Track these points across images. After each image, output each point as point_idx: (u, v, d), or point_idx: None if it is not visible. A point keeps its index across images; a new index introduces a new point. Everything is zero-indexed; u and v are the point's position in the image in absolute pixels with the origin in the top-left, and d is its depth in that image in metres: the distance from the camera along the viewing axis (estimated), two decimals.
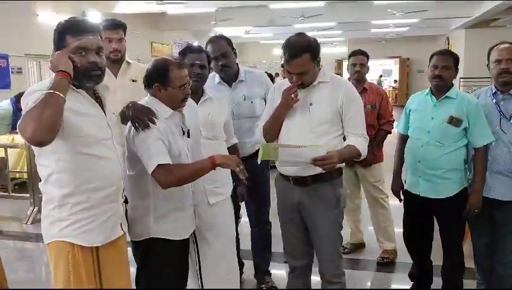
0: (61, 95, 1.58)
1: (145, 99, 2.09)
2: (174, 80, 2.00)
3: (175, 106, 2.07)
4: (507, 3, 9.29)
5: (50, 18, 8.61)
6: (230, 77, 2.85)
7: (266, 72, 7.13)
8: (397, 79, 19.86)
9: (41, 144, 1.57)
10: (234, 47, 2.86)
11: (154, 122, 1.94)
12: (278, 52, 20.09)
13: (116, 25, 2.66)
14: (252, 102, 2.85)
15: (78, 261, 1.75)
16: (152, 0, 8.64)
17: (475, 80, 10.89)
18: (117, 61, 2.69)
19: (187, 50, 2.44)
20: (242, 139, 2.75)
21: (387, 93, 3.73)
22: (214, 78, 2.86)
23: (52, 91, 1.57)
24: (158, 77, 2.02)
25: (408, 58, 19.49)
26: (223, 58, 2.73)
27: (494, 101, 2.55)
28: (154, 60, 2.10)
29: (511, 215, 2.54)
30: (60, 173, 1.72)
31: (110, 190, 1.81)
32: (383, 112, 3.49)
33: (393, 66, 19.79)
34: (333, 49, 19.61)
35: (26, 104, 1.63)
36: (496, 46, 2.56)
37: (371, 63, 3.60)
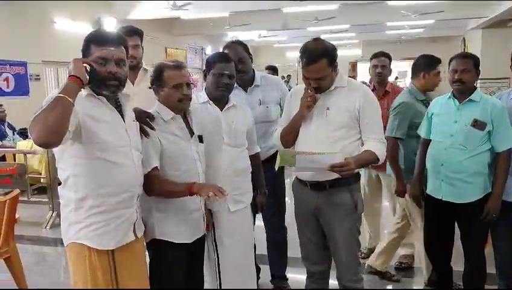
0: (68, 97, 1.61)
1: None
2: (168, 80, 2.09)
3: (173, 106, 2.12)
4: None
5: (67, 25, 8.75)
6: (246, 81, 2.87)
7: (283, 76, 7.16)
8: None
9: (46, 145, 1.63)
10: (250, 52, 2.88)
11: (153, 128, 2.04)
12: (292, 55, 20.09)
13: (133, 32, 2.70)
14: (267, 107, 2.87)
15: (95, 263, 1.80)
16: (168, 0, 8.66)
17: (492, 81, 10.71)
18: (133, 68, 2.71)
19: (216, 59, 2.40)
20: (257, 143, 2.76)
21: None
22: None
23: (60, 95, 1.61)
24: (155, 79, 2.13)
25: None
26: (239, 64, 2.75)
27: None
28: (155, 65, 2.21)
29: None
30: (77, 177, 1.77)
31: (124, 196, 1.84)
32: None
33: (409, 67, 19.61)
34: (347, 51, 19.50)
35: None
36: None
37: None
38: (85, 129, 1.72)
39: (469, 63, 2.55)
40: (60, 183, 1.86)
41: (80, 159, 1.75)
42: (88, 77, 1.71)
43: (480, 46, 13.49)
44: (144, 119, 2.06)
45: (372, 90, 3.42)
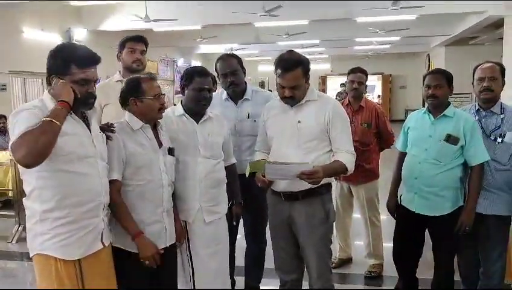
0: (59, 123, 1.68)
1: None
2: (148, 91, 2.15)
3: (152, 116, 2.18)
4: (485, 22, 9.60)
5: (35, 35, 8.58)
6: (237, 94, 2.86)
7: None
8: (380, 94, 20.15)
9: (28, 166, 1.68)
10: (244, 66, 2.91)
11: (113, 131, 2.08)
12: (263, 68, 20.28)
13: (140, 38, 2.83)
14: (255, 121, 2.80)
15: (61, 274, 1.81)
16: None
17: (455, 96, 11.13)
18: (137, 72, 2.71)
19: (194, 74, 2.41)
20: (243, 156, 2.77)
21: None
22: (221, 94, 2.90)
23: (51, 119, 1.66)
24: (132, 91, 2.16)
25: (390, 75, 19.85)
26: (232, 76, 2.78)
27: (477, 118, 2.63)
28: (126, 79, 2.25)
29: (492, 229, 2.60)
30: (41, 189, 1.79)
31: (90, 206, 1.87)
32: (383, 133, 3.48)
33: (376, 82, 20.13)
34: (317, 65, 19.86)
35: (15, 122, 1.71)
36: (480, 65, 2.63)
37: None
38: None
39: (441, 79, 2.61)
40: (25, 195, 1.87)
41: (45, 172, 1.77)
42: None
43: (444, 62, 14.06)
44: (106, 127, 2.11)
45: (347, 104, 3.49)
